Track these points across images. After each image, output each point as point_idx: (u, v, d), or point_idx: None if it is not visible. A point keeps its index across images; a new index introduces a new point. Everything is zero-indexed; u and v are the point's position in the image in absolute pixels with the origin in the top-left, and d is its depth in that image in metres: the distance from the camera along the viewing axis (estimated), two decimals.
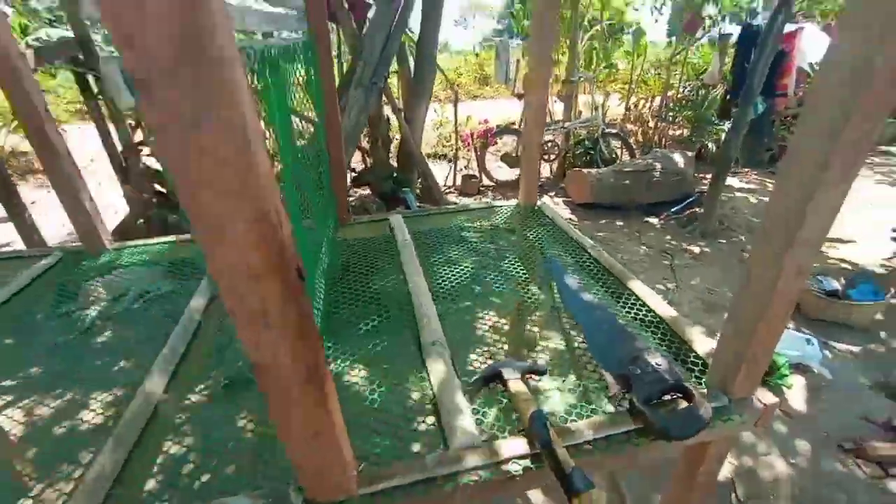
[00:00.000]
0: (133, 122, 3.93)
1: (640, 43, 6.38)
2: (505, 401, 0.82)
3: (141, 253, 1.43)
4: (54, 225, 3.96)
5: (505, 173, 5.02)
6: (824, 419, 2.02)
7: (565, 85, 5.12)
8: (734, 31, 5.10)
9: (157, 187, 3.66)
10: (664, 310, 1.04)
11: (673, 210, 4.23)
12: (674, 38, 6.48)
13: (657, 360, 0.86)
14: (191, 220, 0.39)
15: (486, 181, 4.97)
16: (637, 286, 1.14)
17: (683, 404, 0.77)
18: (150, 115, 0.34)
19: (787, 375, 2.18)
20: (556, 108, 5.45)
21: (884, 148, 6.42)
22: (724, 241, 3.77)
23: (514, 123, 5.26)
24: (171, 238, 1.51)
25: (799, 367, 2.27)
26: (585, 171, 4.22)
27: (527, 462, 0.69)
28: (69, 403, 0.87)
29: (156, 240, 1.50)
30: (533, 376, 0.86)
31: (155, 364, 0.91)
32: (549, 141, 4.93)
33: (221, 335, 1.04)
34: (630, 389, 0.79)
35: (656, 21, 6.72)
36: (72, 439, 0.79)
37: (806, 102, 0.61)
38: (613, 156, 5.09)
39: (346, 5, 3.02)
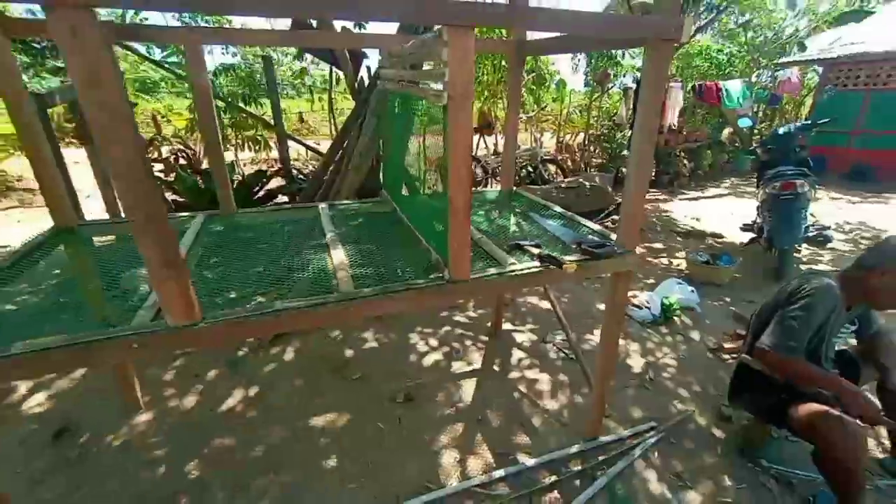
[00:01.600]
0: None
1: (563, 90, 7.88)
2: (524, 255, 1.65)
3: (260, 214, 2.11)
4: None
5: None
6: (699, 335, 3.06)
7: None
8: (633, 84, 6.65)
9: (171, 195, 4.13)
10: (597, 227, 1.95)
11: (597, 218, 5.40)
12: (589, 88, 8.07)
13: (593, 237, 1.76)
14: (452, 161, 1.20)
15: None
16: (584, 221, 2.05)
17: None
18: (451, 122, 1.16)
19: (677, 309, 3.22)
20: (501, 140, 6.62)
21: (746, 178, 8.32)
22: None
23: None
24: (280, 204, 2.20)
25: (685, 308, 3.32)
26: (532, 187, 5.31)
27: (539, 268, 1.53)
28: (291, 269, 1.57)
29: (270, 205, 2.18)
30: (534, 248, 1.71)
31: (332, 250, 1.64)
32: (499, 164, 6.01)
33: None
34: (580, 245, 1.66)
35: (574, 73, 8.31)
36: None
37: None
38: (549, 177, 6.28)
39: (348, 55, 3.89)
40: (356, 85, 3.84)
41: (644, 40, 1.36)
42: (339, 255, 1.59)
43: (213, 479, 1.91)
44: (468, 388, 2.53)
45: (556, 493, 1.89)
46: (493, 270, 1.49)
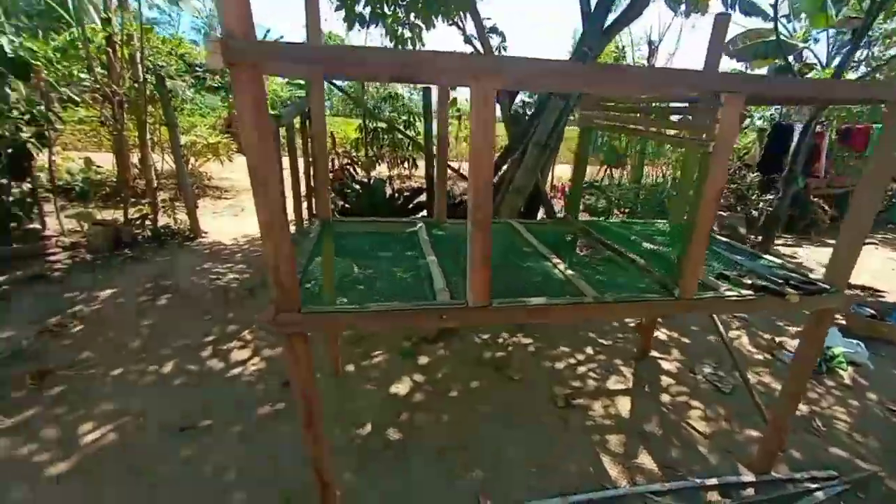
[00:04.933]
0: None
1: None
2: None
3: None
4: None
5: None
6: (870, 389, 2.89)
7: None
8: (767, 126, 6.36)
9: (341, 203, 4.82)
10: (787, 264, 2.03)
11: None
12: None
13: (795, 274, 1.87)
14: (707, 195, 1.44)
15: None
16: (768, 257, 2.14)
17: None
18: None
19: (843, 362, 3.07)
20: None
21: None
22: None
23: (596, 181, 6.47)
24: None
25: (852, 363, 3.14)
26: None
27: (755, 296, 1.68)
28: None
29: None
30: (742, 278, 1.85)
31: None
32: None
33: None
34: (788, 282, 1.78)
35: None
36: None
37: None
38: None
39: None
40: (510, 114, 4.24)
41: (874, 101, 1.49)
42: (560, 265, 1.88)
43: (411, 443, 2.27)
44: (623, 403, 2.67)
45: None
46: (710, 294, 1.67)
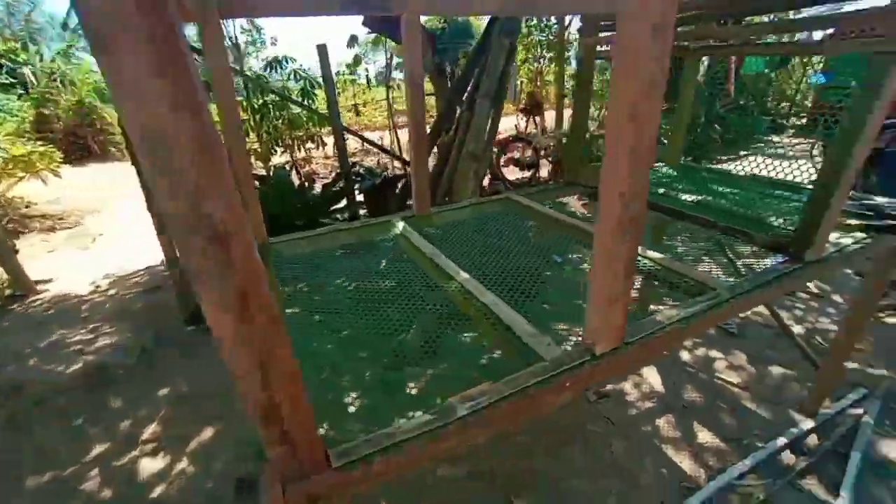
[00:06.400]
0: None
1: None
2: None
3: (456, 212, 1.88)
4: None
5: (514, 174, 5.79)
6: (834, 292, 3.05)
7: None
8: None
9: None
10: None
11: None
12: None
13: None
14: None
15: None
16: None
17: None
18: None
19: None
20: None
21: None
22: None
23: (521, 133, 6.09)
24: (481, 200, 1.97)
25: None
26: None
27: None
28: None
29: (465, 203, 1.95)
30: None
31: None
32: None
33: None
34: None
35: None
36: None
37: None
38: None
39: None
40: (434, 66, 3.58)
41: None
42: None
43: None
44: (652, 377, 2.40)
45: (815, 477, 1.80)
46: (848, 241, 1.33)
